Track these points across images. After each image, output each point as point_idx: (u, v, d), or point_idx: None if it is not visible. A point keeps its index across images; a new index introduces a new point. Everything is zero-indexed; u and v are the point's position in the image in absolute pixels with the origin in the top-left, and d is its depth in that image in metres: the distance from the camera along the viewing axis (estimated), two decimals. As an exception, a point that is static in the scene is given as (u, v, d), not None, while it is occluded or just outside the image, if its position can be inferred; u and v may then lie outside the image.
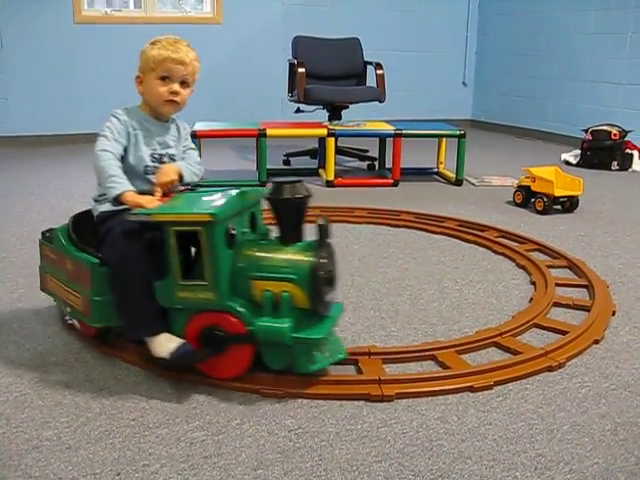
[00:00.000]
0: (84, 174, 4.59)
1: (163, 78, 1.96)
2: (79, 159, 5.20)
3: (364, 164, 5.11)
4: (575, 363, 1.95)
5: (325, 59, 5.16)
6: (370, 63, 5.16)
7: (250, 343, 1.76)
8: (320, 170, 4.62)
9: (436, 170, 4.76)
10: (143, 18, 5.98)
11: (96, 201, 2.00)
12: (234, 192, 1.86)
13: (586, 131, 5.20)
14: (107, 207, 1.94)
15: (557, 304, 2.36)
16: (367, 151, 5.18)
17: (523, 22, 6.69)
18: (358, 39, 5.32)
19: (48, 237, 2.05)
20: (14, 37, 5.56)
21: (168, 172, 1.94)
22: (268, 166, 4.30)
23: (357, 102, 4.94)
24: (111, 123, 1.95)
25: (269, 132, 4.22)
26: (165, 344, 1.77)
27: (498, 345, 2.04)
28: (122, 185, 1.85)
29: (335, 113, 4.98)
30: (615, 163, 5.07)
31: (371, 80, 5.14)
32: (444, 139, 4.68)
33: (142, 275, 1.80)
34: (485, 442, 1.56)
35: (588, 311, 2.28)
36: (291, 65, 5.03)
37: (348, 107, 5.05)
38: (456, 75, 7.33)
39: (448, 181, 4.55)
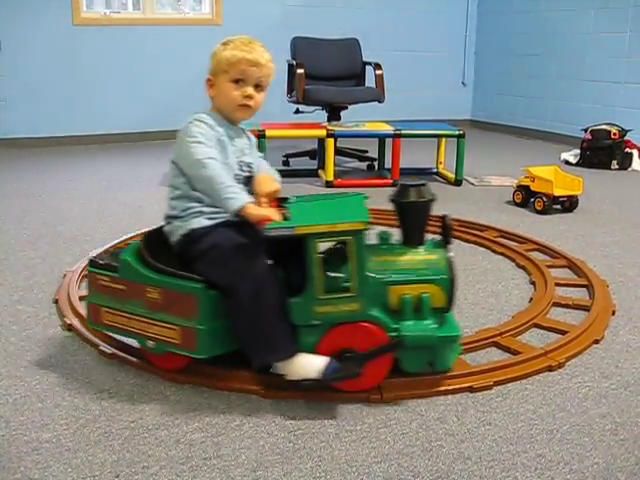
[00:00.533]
0: (83, 176, 4.60)
1: (237, 81, 1.82)
2: (78, 161, 5.20)
3: (363, 164, 5.11)
4: (575, 363, 1.95)
5: (324, 60, 5.16)
6: (369, 63, 5.17)
7: (396, 350, 1.73)
8: (319, 171, 4.62)
9: (435, 170, 4.76)
10: (142, 19, 5.99)
11: (177, 217, 1.82)
12: (354, 197, 1.84)
13: (586, 130, 5.20)
14: (199, 223, 1.79)
15: (557, 304, 2.35)
16: (366, 152, 5.18)
17: (522, 22, 6.69)
18: (357, 40, 5.32)
19: (105, 265, 1.84)
20: (13, 39, 5.55)
21: (269, 182, 1.85)
22: (267, 167, 4.30)
23: (356, 103, 4.94)
24: (200, 128, 1.78)
25: (268, 133, 4.21)
26: (309, 364, 1.67)
27: (498, 345, 2.04)
28: (243, 196, 1.69)
29: (334, 114, 4.98)
30: (615, 162, 5.07)
31: (370, 80, 5.14)
32: (443, 139, 4.68)
33: (273, 294, 1.67)
34: (485, 442, 1.56)
35: (588, 311, 2.28)
36: (290, 66, 5.03)
37: (347, 108, 5.05)
38: (455, 75, 7.33)
39: (447, 181, 4.55)
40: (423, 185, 1.78)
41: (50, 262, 2.78)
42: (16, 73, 5.62)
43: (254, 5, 6.25)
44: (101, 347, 1.98)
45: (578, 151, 5.24)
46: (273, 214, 1.67)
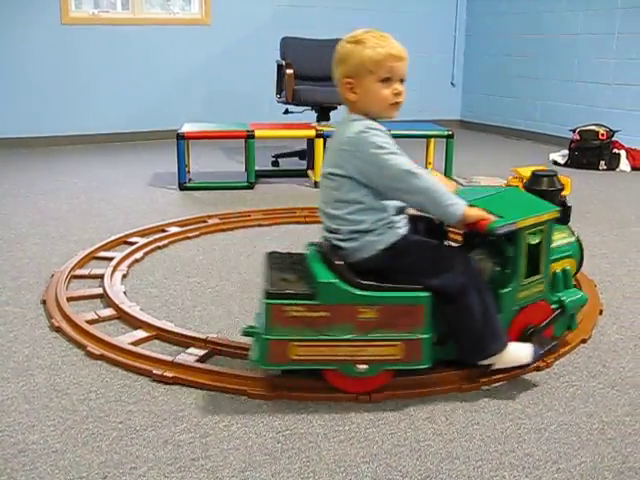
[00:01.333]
0: (71, 176, 4.58)
1: (385, 80, 1.72)
2: (66, 161, 5.18)
3: (353, 165, 5.10)
4: (563, 362, 1.96)
5: (313, 60, 5.14)
6: (358, 64, 5.15)
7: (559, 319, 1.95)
8: (309, 171, 4.62)
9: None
10: (131, 19, 5.97)
11: (368, 232, 1.72)
12: (512, 190, 2.07)
13: (574, 131, 5.22)
14: (397, 234, 1.74)
15: (545, 304, 2.36)
16: (356, 152, 5.17)
17: (511, 23, 6.71)
18: (346, 40, 5.31)
19: (297, 294, 1.67)
20: (0, 38, 5.52)
21: (448, 182, 1.86)
22: (257, 167, 4.30)
23: (346, 103, 4.93)
24: (382, 137, 1.71)
25: (257, 133, 4.21)
26: (519, 351, 1.78)
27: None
28: (460, 200, 1.71)
29: (323, 114, 4.97)
30: (603, 163, 5.09)
31: (359, 81, 5.13)
32: (432, 140, 4.68)
33: (488, 288, 1.75)
34: (473, 442, 1.57)
35: (576, 310, 2.29)
36: (279, 66, 5.02)
37: (336, 108, 5.04)
38: (444, 76, 7.34)
39: (437, 181, 4.55)
40: (554, 175, 2.05)
41: (38, 262, 2.77)
42: (4, 72, 5.59)
43: (243, 5, 6.24)
44: (89, 348, 1.98)
45: (566, 151, 5.26)
46: (486, 214, 1.71)
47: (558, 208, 1.88)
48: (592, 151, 5.09)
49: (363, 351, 1.70)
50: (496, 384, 1.83)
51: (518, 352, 1.78)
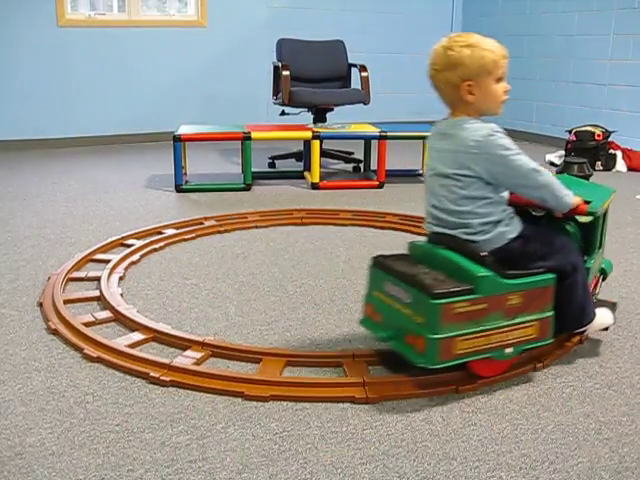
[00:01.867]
0: (68, 178, 4.58)
1: (499, 79, 1.84)
2: (63, 163, 5.17)
3: (349, 166, 5.12)
4: (559, 363, 1.96)
5: (310, 61, 5.16)
6: (355, 65, 5.17)
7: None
8: (305, 173, 4.62)
9: (421, 172, 4.77)
10: (127, 22, 5.96)
11: (499, 222, 1.83)
12: (565, 177, 2.23)
13: (570, 132, 5.23)
14: (519, 223, 1.89)
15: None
16: (352, 153, 5.18)
17: (507, 24, 6.72)
18: (342, 42, 5.33)
19: (462, 290, 1.72)
20: (-3, 41, 5.53)
21: None
22: (253, 169, 4.30)
23: (342, 104, 4.94)
24: (507, 139, 1.85)
25: (254, 135, 4.21)
26: (604, 315, 2.02)
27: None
28: (569, 191, 1.89)
29: (320, 115, 4.98)
30: (599, 163, 5.09)
31: (356, 82, 5.14)
32: (429, 141, 4.69)
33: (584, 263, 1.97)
34: (470, 443, 1.57)
35: (572, 311, 2.31)
36: (276, 68, 5.03)
37: (333, 109, 5.05)
38: (441, 77, 7.35)
39: (433, 183, 4.55)
40: (584, 163, 2.18)
41: (34, 265, 2.77)
42: (0, 74, 5.58)
43: (239, 7, 6.24)
44: (85, 350, 1.97)
45: (563, 152, 5.27)
46: (581, 200, 1.92)
47: (615, 190, 2.13)
48: (588, 152, 5.08)
49: (510, 335, 1.81)
50: (493, 384, 1.83)
51: (603, 316, 2.02)
